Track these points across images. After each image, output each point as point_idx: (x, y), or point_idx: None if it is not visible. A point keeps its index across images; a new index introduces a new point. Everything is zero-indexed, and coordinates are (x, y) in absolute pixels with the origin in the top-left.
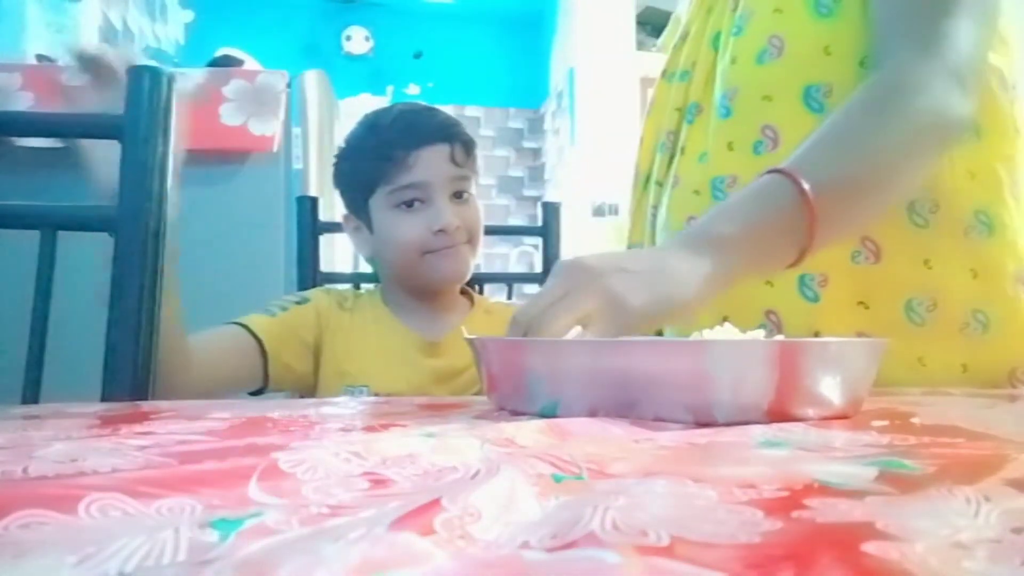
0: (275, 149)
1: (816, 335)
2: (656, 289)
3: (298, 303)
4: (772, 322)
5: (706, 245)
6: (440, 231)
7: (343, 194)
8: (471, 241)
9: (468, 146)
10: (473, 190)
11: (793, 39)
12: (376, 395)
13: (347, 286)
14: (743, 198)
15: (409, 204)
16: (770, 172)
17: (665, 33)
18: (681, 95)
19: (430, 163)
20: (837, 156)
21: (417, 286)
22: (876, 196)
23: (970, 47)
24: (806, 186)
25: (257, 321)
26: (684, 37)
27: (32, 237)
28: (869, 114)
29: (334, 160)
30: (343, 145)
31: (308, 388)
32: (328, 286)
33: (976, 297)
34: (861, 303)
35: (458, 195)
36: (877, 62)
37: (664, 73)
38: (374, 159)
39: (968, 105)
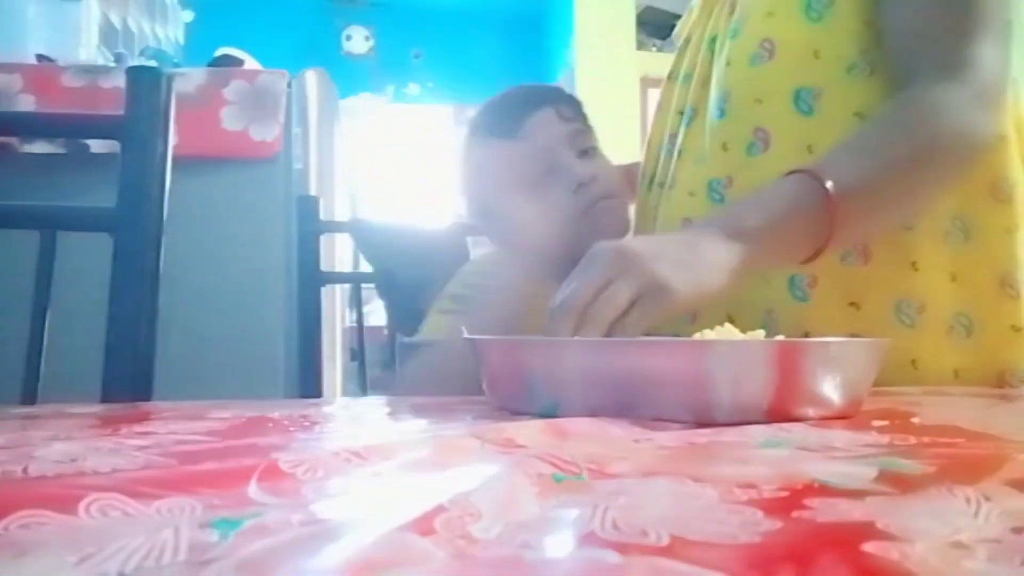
0: (276, 153)
1: (806, 335)
2: (694, 276)
3: None
4: (772, 321)
5: (735, 235)
6: (580, 186)
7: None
8: (616, 195)
9: (573, 103)
10: (596, 144)
11: (784, 42)
12: None
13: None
14: (768, 194)
15: (538, 174)
16: (794, 172)
17: (681, 23)
18: (682, 98)
19: (540, 128)
20: (860, 162)
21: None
22: (894, 205)
23: (995, 70)
24: (829, 185)
25: None
26: (688, 40)
27: (32, 237)
28: (895, 128)
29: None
30: (470, 151)
31: None
32: None
33: (957, 301)
34: (852, 304)
35: (583, 153)
36: (902, 85)
37: (670, 75)
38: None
39: (992, 124)
